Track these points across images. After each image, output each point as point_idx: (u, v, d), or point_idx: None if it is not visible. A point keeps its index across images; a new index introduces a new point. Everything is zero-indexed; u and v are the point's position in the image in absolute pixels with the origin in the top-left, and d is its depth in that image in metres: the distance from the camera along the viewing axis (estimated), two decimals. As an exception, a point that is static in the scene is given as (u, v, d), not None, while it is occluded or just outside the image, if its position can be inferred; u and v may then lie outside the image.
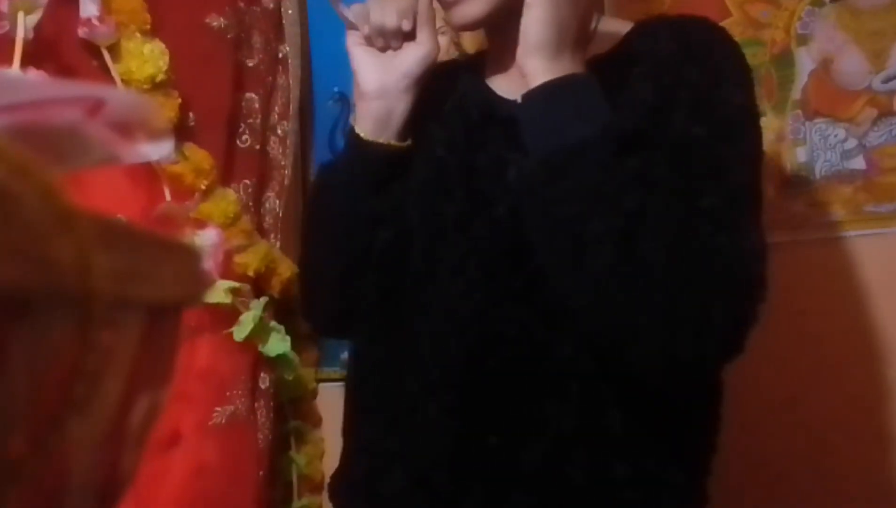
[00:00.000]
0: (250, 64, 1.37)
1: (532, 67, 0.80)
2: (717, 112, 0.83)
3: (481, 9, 0.90)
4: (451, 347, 0.84)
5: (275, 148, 1.43)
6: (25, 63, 0.99)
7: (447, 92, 0.98)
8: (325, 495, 1.44)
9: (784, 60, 1.28)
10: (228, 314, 1.22)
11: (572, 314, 0.80)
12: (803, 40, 1.27)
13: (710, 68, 0.85)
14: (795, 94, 1.27)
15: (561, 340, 0.82)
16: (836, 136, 1.25)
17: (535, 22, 0.80)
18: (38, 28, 1.02)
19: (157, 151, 0.36)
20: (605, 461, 0.81)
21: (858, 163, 1.24)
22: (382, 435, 0.89)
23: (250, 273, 1.27)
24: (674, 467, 0.83)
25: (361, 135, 0.93)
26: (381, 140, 0.93)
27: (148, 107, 0.36)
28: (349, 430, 0.97)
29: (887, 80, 1.23)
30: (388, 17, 0.91)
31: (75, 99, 0.32)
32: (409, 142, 0.94)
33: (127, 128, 0.34)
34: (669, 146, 0.80)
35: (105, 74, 1.13)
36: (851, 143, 1.25)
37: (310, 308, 1.08)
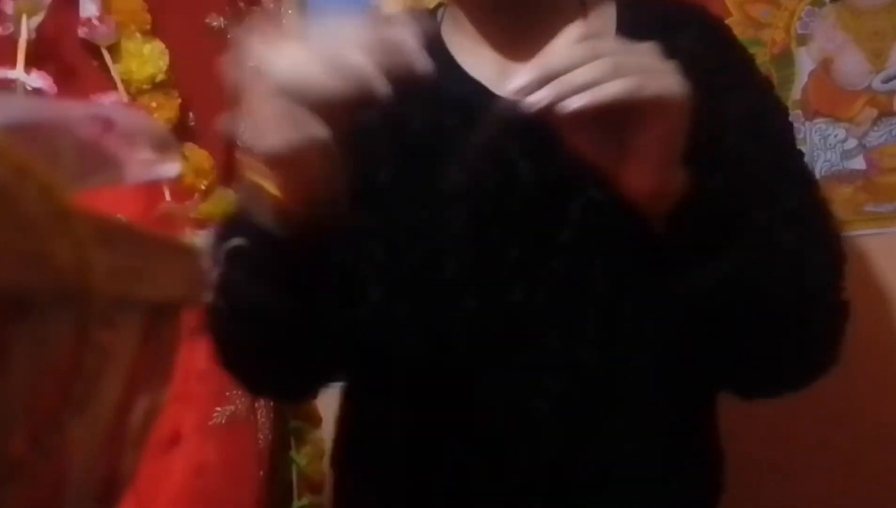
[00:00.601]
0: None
1: (675, 182, 0.67)
2: (768, 123, 0.81)
3: None
4: (544, 391, 0.79)
5: (275, 148, 1.43)
6: (27, 63, 0.99)
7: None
8: (325, 495, 1.44)
9: (784, 60, 1.28)
10: (228, 314, 1.22)
11: (649, 348, 0.79)
12: (803, 40, 1.27)
13: (742, 74, 0.82)
14: (795, 94, 1.27)
15: (637, 378, 0.80)
16: (836, 136, 1.25)
17: (679, 134, 0.64)
18: (39, 28, 1.02)
19: (166, 171, 0.36)
20: (676, 480, 0.83)
21: (858, 163, 1.24)
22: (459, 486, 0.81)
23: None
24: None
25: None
26: None
27: (156, 127, 0.36)
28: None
29: (887, 80, 1.23)
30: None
31: (86, 118, 0.32)
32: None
33: (135, 147, 0.34)
34: (731, 169, 0.75)
35: (105, 74, 1.13)
36: (851, 143, 1.25)
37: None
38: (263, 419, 1.29)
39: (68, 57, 1.10)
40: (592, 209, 0.77)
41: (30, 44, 1.00)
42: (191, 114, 1.23)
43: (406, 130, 0.80)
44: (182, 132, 1.20)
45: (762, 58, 1.27)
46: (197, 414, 1.17)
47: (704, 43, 0.81)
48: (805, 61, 1.27)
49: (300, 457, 1.39)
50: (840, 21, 1.25)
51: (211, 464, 1.16)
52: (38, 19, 1.00)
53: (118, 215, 1.01)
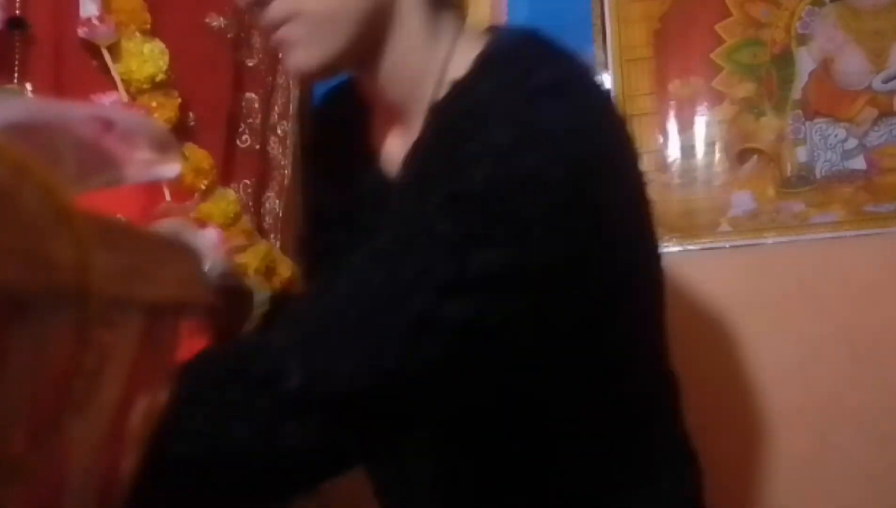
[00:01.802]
0: (250, 64, 1.37)
1: None
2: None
3: (315, 57, 0.69)
4: None
5: (275, 148, 1.43)
6: (26, 63, 0.99)
7: (344, 149, 0.84)
8: (325, 495, 1.44)
9: (784, 60, 1.28)
10: (228, 314, 1.22)
11: None
12: (803, 40, 1.27)
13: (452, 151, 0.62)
14: (795, 94, 1.27)
15: None
16: (836, 136, 1.25)
17: None
18: (39, 28, 1.02)
19: (166, 171, 0.36)
20: None
21: (858, 163, 1.24)
22: None
23: (250, 273, 1.27)
24: None
25: None
26: None
27: (155, 128, 0.36)
28: None
29: (887, 80, 1.23)
30: None
31: (86, 118, 0.32)
32: None
33: (135, 147, 0.34)
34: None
35: (105, 74, 1.13)
36: (851, 143, 1.25)
37: None
38: (263, 419, 1.28)
39: (68, 57, 1.10)
40: None
41: (29, 43, 1.00)
42: (191, 114, 1.23)
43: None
44: (182, 132, 1.20)
45: (762, 58, 1.27)
46: (197, 414, 1.17)
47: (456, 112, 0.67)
48: (805, 61, 1.27)
49: (300, 457, 1.39)
50: (840, 21, 1.25)
51: (211, 464, 1.16)
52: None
53: (118, 215, 1.01)
